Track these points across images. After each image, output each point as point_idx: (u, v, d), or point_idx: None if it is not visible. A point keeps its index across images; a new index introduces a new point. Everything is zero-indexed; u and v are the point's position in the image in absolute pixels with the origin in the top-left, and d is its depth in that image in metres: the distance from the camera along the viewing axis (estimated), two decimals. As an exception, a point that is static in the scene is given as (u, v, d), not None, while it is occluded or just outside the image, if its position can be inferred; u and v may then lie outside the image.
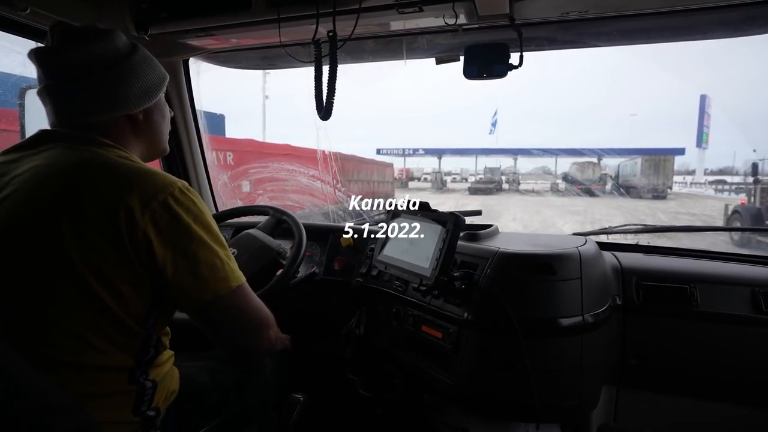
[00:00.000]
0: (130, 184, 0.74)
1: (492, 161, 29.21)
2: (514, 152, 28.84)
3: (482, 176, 27.04)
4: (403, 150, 30.22)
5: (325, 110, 1.17)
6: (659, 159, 20.42)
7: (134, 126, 0.88)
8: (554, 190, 23.31)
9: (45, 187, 0.73)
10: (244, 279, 0.84)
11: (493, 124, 34.46)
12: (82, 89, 0.82)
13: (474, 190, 22.87)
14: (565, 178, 25.09)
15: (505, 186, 25.55)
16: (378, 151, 29.65)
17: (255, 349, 0.91)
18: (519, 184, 26.23)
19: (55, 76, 0.81)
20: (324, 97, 1.15)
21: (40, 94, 0.83)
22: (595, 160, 23.98)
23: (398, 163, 31.30)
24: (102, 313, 0.72)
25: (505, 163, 29.31)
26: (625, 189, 21.19)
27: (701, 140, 24.16)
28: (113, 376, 0.76)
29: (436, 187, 26.79)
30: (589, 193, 20.40)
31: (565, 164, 27.31)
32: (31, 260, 0.71)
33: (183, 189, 0.78)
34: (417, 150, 30.46)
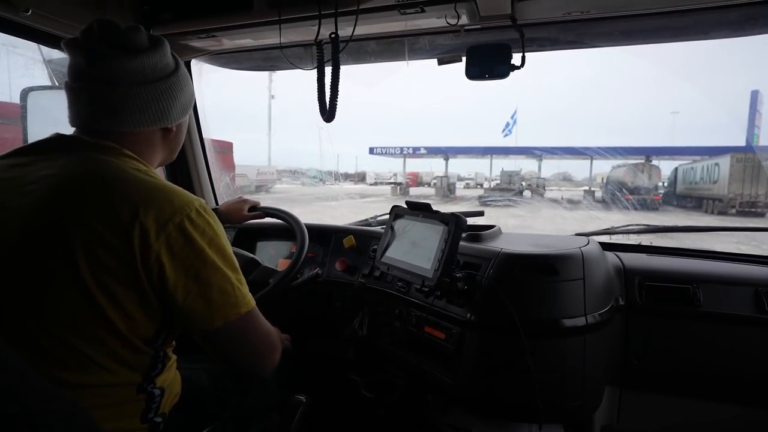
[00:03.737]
0: (147, 202, 0.71)
1: (510, 164, 24.61)
2: (538, 151, 22.84)
3: (498, 181, 22.92)
4: (402, 149, 24.92)
5: (329, 112, 1.16)
6: (759, 159, 14.68)
7: (165, 137, 0.88)
8: (590, 200, 17.95)
9: (58, 200, 0.71)
10: (253, 303, 0.82)
11: (511, 125, 28.47)
12: (128, 99, 0.79)
13: (485, 201, 17.15)
14: (607, 184, 19.75)
15: (527, 194, 20.62)
16: (371, 151, 25.40)
17: (259, 373, 0.89)
18: (544, 190, 21.45)
19: (102, 80, 0.78)
20: (327, 99, 1.15)
21: (72, 91, 0.80)
22: (642, 160, 18.92)
23: (398, 166, 27.35)
24: (111, 334, 0.71)
25: (525, 167, 24.80)
26: (696, 200, 16.56)
27: (751, 142, 20.07)
28: (122, 390, 0.76)
29: (441, 194, 21.71)
30: (646, 205, 15.09)
31: (598, 168, 21.88)
32: (43, 277, 0.69)
33: (200, 210, 0.76)
34: (418, 149, 25.05)
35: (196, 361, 1.00)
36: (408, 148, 24.85)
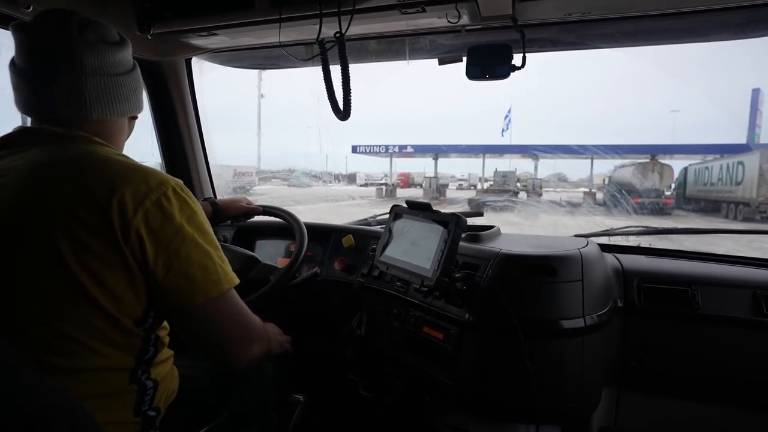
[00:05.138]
0: (123, 180, 0.72)
1: (504, 164, 23.07)
2: (534, 151, 20.51)
3: (492, 182, 21.23)
4: (387, 147, 22.50)
5: (344, 111, 1.17)
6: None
7: (130, 125, 0.94)
8: (590, 202, 15.97)
9: (34, 188, 0.71)
10: (237, 281, 0.81)
11: (506, 125, 26.22)
12: (117, 87, 0.83)
13: (477, 204, 14.45)
14: (609, 186, 17.64)
15: (522, 195, 19.25)
16: (354, 149, 22.55)
17: (233, 363, 0.84)
18: (541, 191, 19.92)
19: (82, 73, 0.78)
20: (341, 98, 1.15)
21: (39, 84, 0.78)
22: (647, 159, 17.00)
23: (384, 165, 25.48)
24: (99, 315, 0.71)
25: (520, 167, 23.02)
26: (711, 204, 14.88)
27: (752, 141, 19.09)
28: (114, 376, 0.75)
29: (430, 196, 19.37)
30: (657, 209, 13.30)
31: (595, 169, 19.68)
32: (25, 264, 0.69)
33: (177, 188, 0.76)
34: (405, 147, 22.63)
35: (195, 359, 0.99)
36: (394, 146, 22.71)
